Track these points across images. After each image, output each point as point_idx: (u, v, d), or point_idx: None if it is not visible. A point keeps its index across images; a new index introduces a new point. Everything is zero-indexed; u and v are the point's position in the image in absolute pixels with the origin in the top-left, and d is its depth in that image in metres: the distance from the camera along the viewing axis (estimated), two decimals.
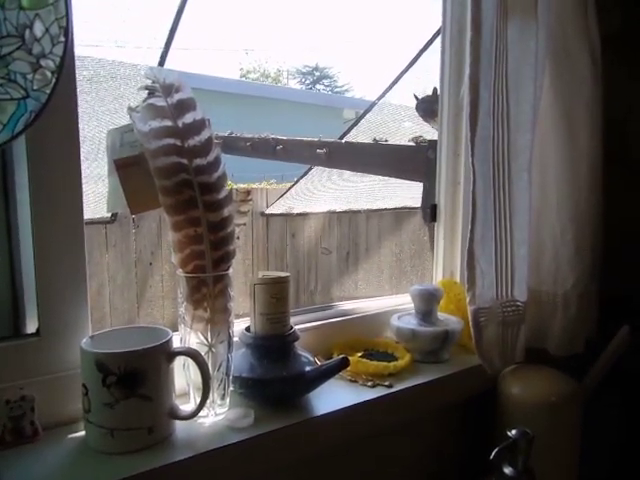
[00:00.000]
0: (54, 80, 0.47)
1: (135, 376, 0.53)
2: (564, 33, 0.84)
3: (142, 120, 0.56)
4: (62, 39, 0.47)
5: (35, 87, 0.47)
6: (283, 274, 0.66)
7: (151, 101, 0.56)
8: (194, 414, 0.57)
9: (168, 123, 0.56)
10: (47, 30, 0.46)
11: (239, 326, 0.67)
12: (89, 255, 0.61)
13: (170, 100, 0.56)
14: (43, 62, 0.46)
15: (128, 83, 0.88)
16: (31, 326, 0.60)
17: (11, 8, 0.45)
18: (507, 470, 0.66)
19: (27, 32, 0.45)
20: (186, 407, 0.59)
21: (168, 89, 0.57)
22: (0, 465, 0.50)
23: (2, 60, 0.45)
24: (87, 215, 0.62)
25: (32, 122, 0.47)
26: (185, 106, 0.57)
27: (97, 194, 0.73)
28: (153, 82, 0.57)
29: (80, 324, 0.60)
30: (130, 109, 0.57)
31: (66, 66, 0.49)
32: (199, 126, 0.58)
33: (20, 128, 0.47)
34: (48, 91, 0.47)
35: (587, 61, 0.84)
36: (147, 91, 0.58)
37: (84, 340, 0.56)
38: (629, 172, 1.02)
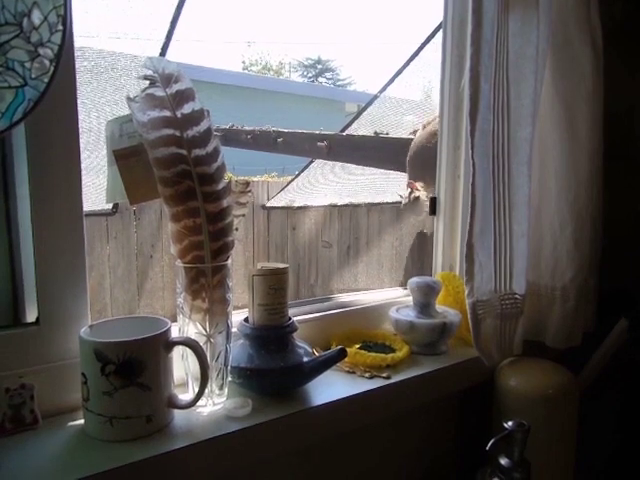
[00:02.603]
0: (52, 69, 0.48)
1: (134, 365, 0.54)
2: (566, 26, 0.83)
3: (141, 110, 0.56)
4: (60, 28, 0.47)
5: (33, 75, 0.47)
6: (282, 265, 0.66)
7: (150, 91, 0.56)
8: (192, 403, 0.58)
9: (167, 113, 0.56)
10: (45, 18, 0.46)
11: (239, 317, 0.68)
12: (90, 247, 0.62)
13: (169, 90, 0.56)
14: (41, 50, 0.46)
15: (129, 74, 0.88)
16: (31, 315, 0.61)
17: None
18: (503, 461, 0.66)
19: (25, 20, 0.45)
20: (184, 396, 0.60)
21: (167, 79, 0.57)
22: (0, 452, 0.51)
23: (0, 48, 0.45)
24: (88, 207, 0.62)
25: (30, 110, 0.47)
26: (184, 96, 0.57)
27: (98, 185, 0.73)
28: (152, 72, 0.57)
29: (79, 314, 0.61)
30: (129, 99, 0.57)
31: (65, 56, 0.50)
32: (198, 117, 0.58)
33: (18, 116, 0.47)
34: (46, 80, 0.48)
35: (589, 54, 0.84)
36: (147, 81, 0.58)
37: (83, 329, 0.56)
38: (631, 167, 1.01)
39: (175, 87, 0.57)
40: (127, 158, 0.60)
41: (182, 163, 0.56)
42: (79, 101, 0.59)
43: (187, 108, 0.57)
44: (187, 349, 0.59)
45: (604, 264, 0.90)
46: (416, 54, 1.39)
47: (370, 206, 1.79)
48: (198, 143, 0.57)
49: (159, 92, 0.56)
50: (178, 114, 0.56)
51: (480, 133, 0.76)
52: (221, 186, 0.59)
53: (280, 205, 1.68)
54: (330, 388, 0.68)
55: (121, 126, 0.61)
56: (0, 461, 0.50)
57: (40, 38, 0.46)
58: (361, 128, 1.54)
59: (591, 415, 0.86)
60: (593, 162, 0.85)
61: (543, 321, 0.88)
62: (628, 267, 0.97)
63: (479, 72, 0.75)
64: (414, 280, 0.85)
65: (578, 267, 0.86)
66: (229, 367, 0.63)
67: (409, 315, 0.84)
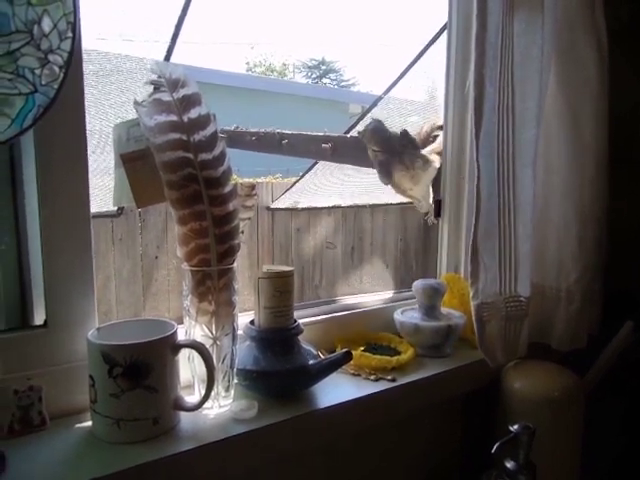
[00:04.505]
0: (62, 75, 0.48)
1: (140, 368, 0.54)
2: (571, 28, 0.83)
3: (148, 114, 0.57)
4: (70, 35, 0.47)
5: (43, 82, 0.47)
6: (287, 268, 0.67)
7: (157, 96, 0.57)
8: (199, 406, 0.58)
9: (174, 118, 0.57)
10: (55, 26, 0.47)
11: (245, 319, 0.68)
12: (95, 248, 0.62)
13: (176, 95, 0.57)
14: (51, 57, 0.47)
15: (134, 77, 0.89)
16: (39, 318, 0.61)
17: (20, 4, 0.45)
18: (509, 464, 0.67)
19: (35, 28, 0.46)
20: (191, 399, 0.60)
21: (174, 84, 0.57)
22: (8, 453, 0.51)
23: (11, 55, 0.45)
24: (94, 209, 0.62)
25: (40, 117, 0.48)
26: (191, 101, 0.58)
27: (104, 188, 0.74)
28: (159, 77, 0.57)
29: (87, 316, 0.61)
30: (136, 103, 0.57)
31: (73, 61, 0.50)
32: (204, 121, 0.58)
33: (29, 123, 0.47)
34: (56, 86, 0.48)
35: (594, 56, 0.84)
36: (153, 85, 0.58)
37: (91, 332, 0.57)
38: (635, 170, 1.01)
39: (182, 92, 0.57)
40: (134, 161, 0.60)
41: (189, 167, 0.57)
42: (85, 103, 0.59)
43: (194, 113, 0.57)
44: (193, 351, 0.59)
45: (608, 266, 0.90)
46: (421, 55, 1.39)
47: (374, 207, 1.79)
48: (204, 147, 0.58)
49: (166, 97, 0.57)
50: (185, 119, 0.57)
51: (485, 135, 0.76)
52: (227, 189, 0.60)
53: (284, 206, 1.68)
54: (335, 390, 0.68)
55: (128, 130, 0.61)
56: (9, 462, 0.51)
57: (50, 45, 0.47)
58: None
59: (596, 418, 0.85)
60: (598, 163, 0.85)
61: (548, 323, 0.88)
62: (633, 269, 0.97)
63: (484, 74, 0.75)
64: (419, 282, 0.85)
65: (583, 268, 0.86)
66: (235, 369, 0.63)
67: (414, 317, 0.84)
